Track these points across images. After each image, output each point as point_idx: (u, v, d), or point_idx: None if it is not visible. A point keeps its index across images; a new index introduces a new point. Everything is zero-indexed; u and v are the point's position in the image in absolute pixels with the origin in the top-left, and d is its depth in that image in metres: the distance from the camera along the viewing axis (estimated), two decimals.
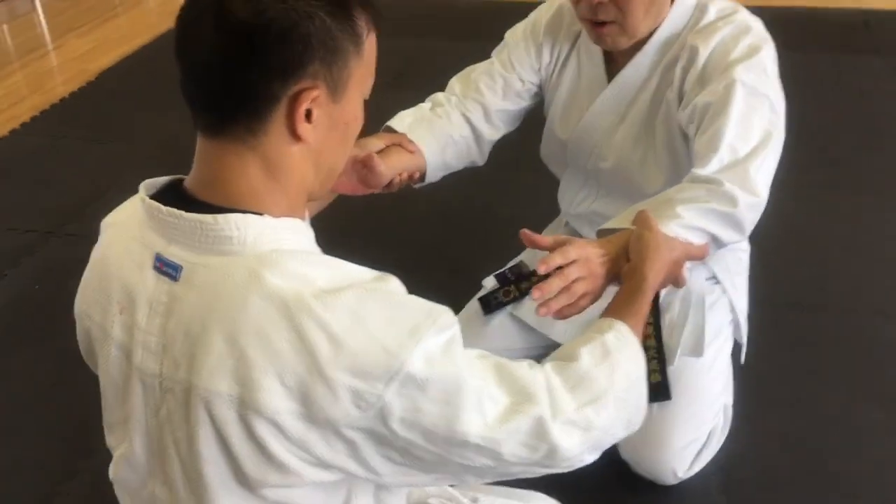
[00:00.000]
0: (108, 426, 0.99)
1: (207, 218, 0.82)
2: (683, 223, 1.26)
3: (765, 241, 2.09)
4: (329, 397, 0.78)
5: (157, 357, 0.84)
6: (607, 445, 0.97)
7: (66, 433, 1.86)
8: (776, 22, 4.42)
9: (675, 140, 1.52)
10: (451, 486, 1.24)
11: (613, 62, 1.56)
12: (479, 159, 1.70)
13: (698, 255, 1.28)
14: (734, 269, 1.72)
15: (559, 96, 1.66)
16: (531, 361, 0.94)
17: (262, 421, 0.79)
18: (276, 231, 0.84)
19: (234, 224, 0.82)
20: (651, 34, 1.49)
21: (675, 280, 1.23)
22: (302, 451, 0.81)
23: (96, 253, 0.95)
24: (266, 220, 0.83)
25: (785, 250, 2.34)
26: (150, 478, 0.93)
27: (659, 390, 1.56)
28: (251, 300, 0.79)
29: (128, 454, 0.93)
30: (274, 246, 0.83)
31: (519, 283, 1.77)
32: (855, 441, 1.75)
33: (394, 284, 0.84)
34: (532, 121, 1.74)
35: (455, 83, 1.67)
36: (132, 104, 3.48)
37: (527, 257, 1.86)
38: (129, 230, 0.89)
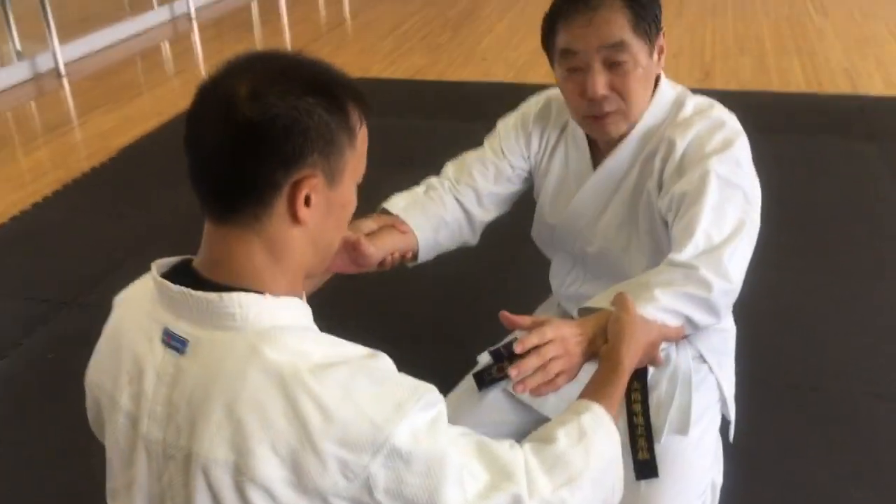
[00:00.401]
0: (111, 493, 1.04)
1: (213, 296, 0.89)
2: (660, 306, 1.33)
3: (757, 321, 2.15)
4: (319, 467, 0.84)
5: (161, 425, 0.91)
6: None
7: (74, 500, 1.91)
8: (773, 107, 4.59)
9: (656, 227, 1.60)
10: None
11: (598, 153, 1.65)
12: (472, 240, 1.78)
13: (673, 337, 1.35)
14: (720, 348, 1.77)
15: (548, 183, 1.75)
16: (512, 442, 0.99)
17: (255, 488, 0.85)
18: (276, 309, 0.91)
19: (238, 302, 0.88)
20: (632, 127, 1.58)
21: (652, 361, 1.30)
22: None
23: (109, 326, 1.02)
24: (266, 299, 0.90)
25: (776, 331, 2.40)
26: None
27: (647, 468, 1.61)
28: (250, 373, 0.85)
29: None
30: (273, 323, 0.89)
31: (512, 360, 1.83)
32: None
33: (384, 362, 0.91)
34: (530, 201, 1.83)
35: (449, 168, 1.77)
36: (151, 180, 3.61)
37: (522, 334, 1.92)
38: (142, 306, 0.97)
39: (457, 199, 1.72)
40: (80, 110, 4.58)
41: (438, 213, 1.69)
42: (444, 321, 2.51)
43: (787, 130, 3.82)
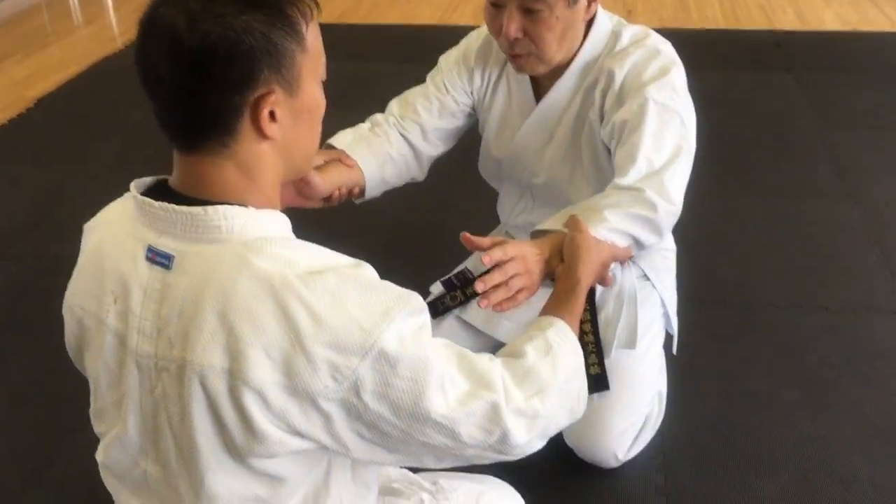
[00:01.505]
0: (96, 414, 1.05)
1: (197, 210, 0.90)
2: (610, 227, 1.40)
3: (690, 243, 2.25)
4: (309, 369, 0.87)
5: (152, 340, 0.92)
6: (553, 433, 1.07)
7: (19, 450, 1.89)
8: (694, 43, 4.71)
9: (599, 156, 1.65)
10: (412, 470, 1.33)
11: (540, 86, 1.68)
12: (419, 175, 1.80)
13: (623, 257, 1.42)
14: (661, 266, 1.86)
15: (492, 117, 1.78)
16: (490, 355, 1.04)
17: (249, 392, 0.87)
18: (259, 220, 0.92)
19: (222, 215, 0.90)
20: (571, 60, 1.61)
21: (603, 280, 1.37)
22: (281, 421, 0.89)
23: (86, 250, 1.01)
24: (249, 211, 0.92)
25: (709, 252, 2.52)
26: (142, 456, 0.99)
27: (599, 381, 1.69)
28: (240, 282, 0.87)
29: (121, 435, 0.99)
30: (258, 234, 0.91)
31: (464, 288, 1.88)
32: (778, 422, 1.90)
33: (369, 271, 0.94)
34: (473, 137, 1.86)
35: (393, 105, 1.78)
36: (72, 130, 3.50)
37: (471, 264, 1.97)
38: (122, 226, 0.97)
39: (402, 135, 1.73)
40: None
41: (384, 149, 1.70)
42: (392, 255, 2.54)
43: (708, 66, 3.93)
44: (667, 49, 1.61)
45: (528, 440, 1.02)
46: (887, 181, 2.92)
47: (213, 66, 0.86)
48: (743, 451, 1.83)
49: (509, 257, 1.27)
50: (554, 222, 1.43)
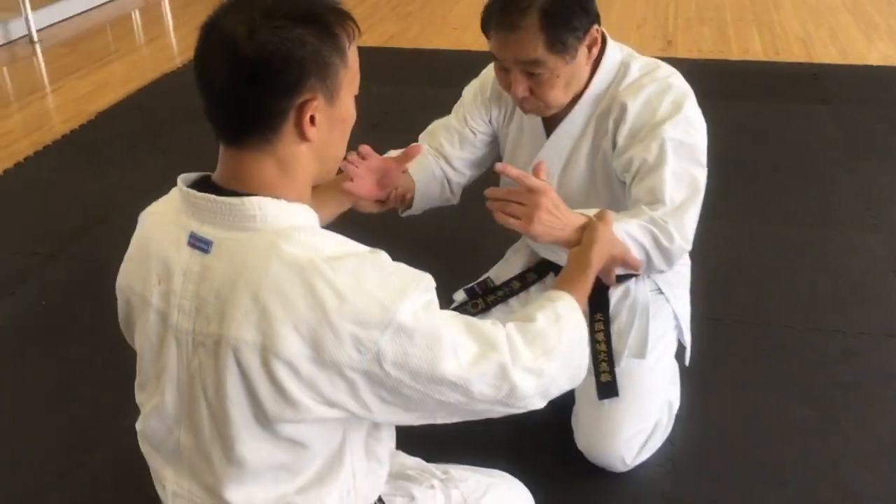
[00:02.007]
0: (140, 386, 1.17)
1: (235, 200, 1.01)
2: (630, 233, 1.49)
3: (715, 265, 2.33)
4: (335, 342, 0.97)
5: (190, 317, 1.03)
6: (554, 395, 1.18)
7: (67, 433, 2.03)
8: (731, 75, 4.76)
9: (613, 183, 1.73)
10: (424, 462, 1.42)
11: (550, 118, 1.76)
12: (454, 199, 1.93)
13: (632, 265, 1.50)
14: (674, 282, 1.93)
15: (508, 145, 1.88)
16: (494, 320, 1.15)
17: (280, 364, 0.97)
18: (290, 212, 1.03)
19: (257, 205, 1.01)
20: (582, 93, 1.69)
21: (608, 274, 1.45)
22: (311, 390, 1.00)
23: (138, 237, 1.14)
24: (282, 203, 1.02)
25: (730, 274, 2.58)
26: (177, 426, 1.10)
27: (608, 389, 1.77)
28: (271, 265, 0.97)
29: (159, 405, 1.10)
30: (289, 223, 1.02)
31: (486, 297, 1.99)
32: (786, 437, 1.95)
33: (384, 256, 1.05)
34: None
35: (423, 137, 1.91)
36: (128, 143, 3.69)
37: (494, 274, 2.07)
38: (168, 216, 1.09)
39: (435, 161, 1.85)
40: (53, 76, 4.62)
41: (430, 168, 1.83)
42: (419, 266, 2.65)
43: (745, 97, 4.00)
44: (678, 82, 1.66)
45: (532, 395, 1.13)
46: None
47: (268, 72, 0.97)
48: (751, 463, 1.88)
49: (528, 186, 1.38)
50: (587, 211, 1.50)
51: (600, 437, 1.79)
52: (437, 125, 1.90)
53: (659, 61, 1.71)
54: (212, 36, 1.01)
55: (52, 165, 3.49)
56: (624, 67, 1.69)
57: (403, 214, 1.84)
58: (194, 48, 1.03)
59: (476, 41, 4.97)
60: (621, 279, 1.82)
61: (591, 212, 1.48)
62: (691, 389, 2.02)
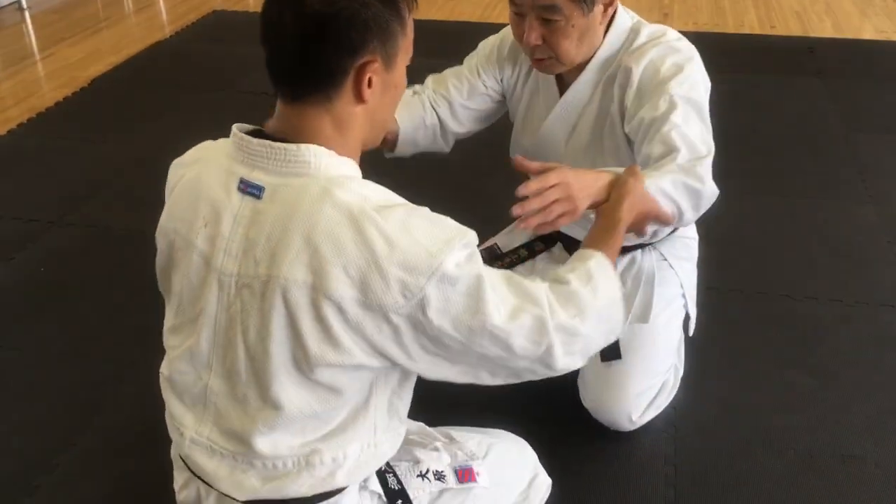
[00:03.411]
0: (172, 330, 1.19)
1: (292, 146, 1.05)
2: (660, 187, 1.42)
3: (714, 236, 2.34)
4: (383, 286, 1.00)
5: (236, 260, 1.06)
6: (592, 353, 1.19)
7: (73, 397, 2.03)
8: (727, 47, 4.77)
9: (620, 149, 1.72)
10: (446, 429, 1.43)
11: (563, 81, 1.77)
12: (445, 147, 1.91)
13: (663, 219, 1.43)
14: (681, 254, 1.95)
15: (521, 108, 1.87)
16: (533, 277, 1.16)
17: (328, 304, 1.00)
18: (341, 164, 1.08)
19: (313, 153, 1.05)
20: (591, 57, 1.68)
21: (639, 230, 1.41)
22: (356, 333, 1.03)
23: (183, 182, 1.15)
24: (333, 155, 1.07)
25: (730, 245, 2.60)
26: (207, 371, 1.13)
27: (610, 351, 1.79)
28: (324, 209, 1.01)
29: (192, 347, 1.13)
30: (340, 172, 1.06)
31: (492, 263, 2.00)
32: (788, 404, 1.98)
33: (428, 210, 1.08)
34: (506, 129, 1.96)
35: (429, 80, 1.90)
36: (124, 110, 3.66)
37: (500, 241, 2.08)
38: (218, 163, 1.12)
39: (433, 107, 1.84)
40: (43, 43, 4.56)
41: (419, 114, 1.82)
42: None
43: (740, 70, 4.00)
44: (684, 45, 1.65)
45: (568, 355, 1.14)
46: None
47: (334, 30, 1.02)
48: (751, 429, 1.91)
49: (550, 184, 1.27)
50: (614, 169, 1.44)
51: (609, 393, 1.81)
52: (448, 71, 1.89)
53: (667, 28, 1.70)
54: None
55: (45, 133, 3.46)
56: (633, 34, 1.69)
57: (388, 156, 1.84)
58: (262, 5, 1.08)
59: (472, 13, 4.96)
60: (627, 250, 1.83)
61: (617, 169, 1.42)
62: (694, 357, 2.05)
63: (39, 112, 3.62)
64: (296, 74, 1.06)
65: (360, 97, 1.07)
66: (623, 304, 1.23)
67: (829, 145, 3.28)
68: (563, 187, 1.28)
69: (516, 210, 1.25)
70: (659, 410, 1.88)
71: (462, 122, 1.88)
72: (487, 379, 1.14)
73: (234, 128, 1.11)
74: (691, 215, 1.52)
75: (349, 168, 1.09)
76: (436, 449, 1.38)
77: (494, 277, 1.09)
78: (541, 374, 1.16)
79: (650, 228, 1.45)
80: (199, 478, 1.19)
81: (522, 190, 1.25)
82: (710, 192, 1.50)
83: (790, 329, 2.25)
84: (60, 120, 3.58)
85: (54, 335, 2.24)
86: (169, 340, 1.20)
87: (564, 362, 1.14)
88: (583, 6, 1.57)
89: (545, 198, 1.26)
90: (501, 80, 1.87)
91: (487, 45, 1.90)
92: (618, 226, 1.30)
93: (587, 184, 1.32)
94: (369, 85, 1.07)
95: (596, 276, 1.19)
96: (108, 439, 1.91)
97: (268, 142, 1.06)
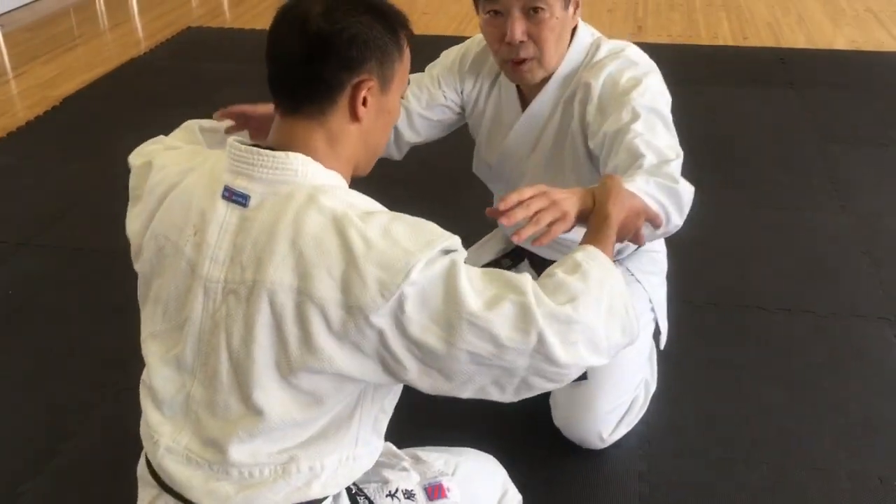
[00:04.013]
0: (151, 335, 1.18)
1: (280, 154, 1.07)
2: (638, 187, 1.36)
3: (688, 248, 2.34)
4: (360, 285, 1.00)
5: (223, 266, 1.07)
6: (606, 348, 1.11)
7: (40, 418, 2.00)
8: (701, 59, 4.80)
9: (581, 166, 1.71)
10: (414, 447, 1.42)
11: (524, 97, 1.76)
12: (396, 155, 1.89)
13: (653, 217, 1.36)
14: (648, 268, 1.93)
15: (484, 123, 1.86)
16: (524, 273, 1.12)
17: (313, 308, 1.01)
18: (327, 175, 1.10)
19: (301, 161, 1.07)
20: (551, 74, 1.67)
21: (636, 233, 1.32)
22: (341, 339, 1.03)
23: (182, 187, 1.15)
24: (321, 166, 1.09)
25: (702, 257, 2.60)
26: (191, 378, 1.12)
27: None
28: (310, 214, 1.03)
29: (179, 355, 1.13)
30: (327, 182, 1.09)
31: None
32: (762, 417, 1.98)
33: (415, 217, 1.07)
34: (469, 140, 1.94)
35: None
36: (96, 129, 3.63)
37: (468, 256, 2.07)
38: (208, 171, 1.14)
39: None
40: (16, 61, 4.52)
41: None
42: None
43: (713, 81, 4.03)
44: (643, 59, 1.65)
45: (568, 345, 1.06)
46: (881, 194, 3.00)
47: (334, 46, 1.07)
48: (725, 444, 1.91)
49: (526, 196, 1.21)
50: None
51: (577, 410, 1.80)
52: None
53: (628, 44, 1.69)
54: (288, 13, 1.11)
55: (16, 153, 3.42)
56: (594, 48, 1.69)
57: None
58: (270, 25, 1.13)
59: (446, 26, 4.97)
60: None
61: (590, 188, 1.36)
62: (665, 371, 2.04)
63: (10, 132, 3.58)
64: (295, 87, 1.10)
65: (354, 115, 1.10)
66: (626, 291, 1.15)
67: (803, 156, 3.30)
68: (543, 196, 1.22)
69: (504, 220, 1.18)
70: (630, 427, 1.87)
71: (418, 132, 1.86)
72: (496, 393, 1.10)
73: (231, 138, 1.14)
74: (677, 216, 1.44)
75: (336, 179, 1.11)
76: (404, 469, 1.36)
77: (473, 271, 1.07)
78: (549, 373, 1.09)
79: (644, 231, 1.36)
80: (168, 491, 1.17)
81: (502, 205, 1.20)
82: (687, 189, 1.45)
83: (764, 341, 2.25)
84: (31, 139, 3.55)
85: (19, 360, 2.21)
86: (149, 347, 1.19)
87: (567, 355, 1.07)
88: None
89: (528, 207, 1.20)
90: (462, 93, 1.86)
91: (450, 55, 1.88)
92: (607, 220, 1.24)
93: (567, 193, 1.26)
94: (364, 104, 1.10)
95: (584, 264, 1.14)
96: (75, 466, 1.87)
97: (256, 148, 1.08)
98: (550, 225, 1.20)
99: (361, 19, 1.09)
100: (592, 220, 1.26)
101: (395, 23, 1.14)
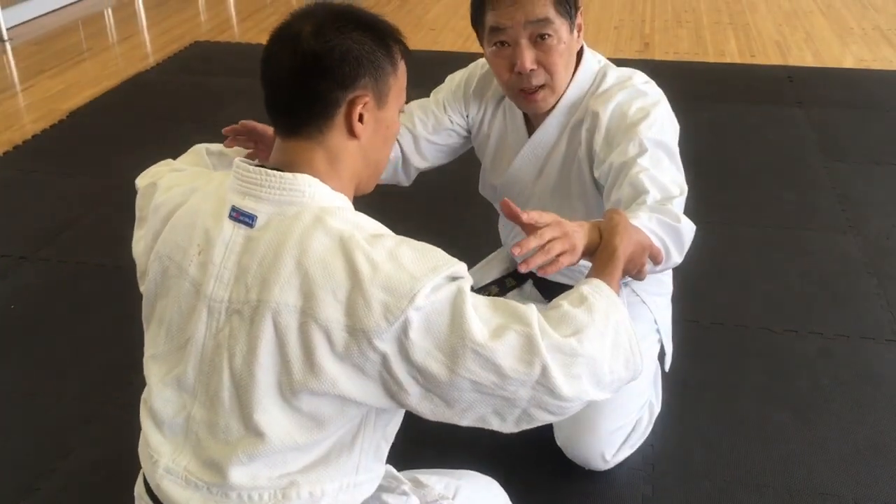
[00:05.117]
0: (153, 357, 1.17)
1: (288, 175, 1.08)
2: (642, 223, 1.37)
3: (693, 268, 2.31)
4: (365, 308, 1.00)
5: (227, 286, 1.07)
6: (609, 381, 1.11)
7: (40, 434, 1.99)
8: (707, 77, 4.79)
9: (587, 193, 1.70)
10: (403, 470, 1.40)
11: (530, 123, 1.75)
12: (405, 181, 1.89)
13: (655, 253, 1.36)
14: (653, 289, 1.91)
15: (490, 146, 1.85)
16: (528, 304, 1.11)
17: (317, 329, 1.01)
18: (333, 196, 1.10)
19: (307, 182, 1.08)
20: (560, 98, 1.66)
21: (640, 269, 1.32)
22: (343, 361, 1.02)
23: (180, 209, 1.16)
24: (327, 187, 1.10)
25: (708, 276, 2.58)
26: (192, 399, 1.11)
27: None
28: (316, 236, 1.03)
29: (180, 376, 1.12)
30: (333, 203, 1.09)
31: (489, 292, 1.97)
32: (767, 440, 1.96)
33: (422, 243, 1.07)
34: (475, 161, 1.93)
35: None
36: (102, 143, 3.63)
37: (472, 277, 2.05)
38: (213, 191, 1.14)
39: (397, 140, 1.80)
40: (24, 75, 4.54)
41: None
42: None
43: (721, 99, 4.02)
44: (651, 89, 1.63)
45: (571, 378, 1.06)
46: (889, 214, 2.98)
47: (327, 64, 1.07)
48: (730, 467, 1.88)
49: (545, 222, 1.22)
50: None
51: (580, 430, 1.78)
52: (414, 104, 1.86)
53: (635, 71, 1.68)
54: (281, 33, 1.11)
55: (22, 166, 3.43)
56: (600, 76, 1.68)
57: None
58: (264, 47, 1.13)
59: (453, 42, 4.98)
60: None
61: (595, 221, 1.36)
62: (671, 392, 2.02)
63: (17, 145, 3.59)
64: (291, 108, 1.10)
65: (351, 132, 1.11)
66: (630, 326, 1.15)
67: (809, 175, 3.28)
68: (557, 226, 1.22)
69: (515, 249, 1.20)
70: (633, 449, 1.84)
71: (425, 157, 1.85)
72: (496, 422, 1.10)
73: (238, 158, 1.14)
74: (676, 254, 1.45)
75: (342, 200, 1.12)
76: (404, 493, 1.35)
77: (479, 300, 1.06)
78: (551, 406, 1.08)
79: (647, 267, 1.36)
80: None
81: (524, 216, 1.19)
82: (688, 228, 1.46)
83: (769, 363, 2.22)
84: (37, 153, 3.55)
85: (21, 375, 2.20)
86: (150, 368, 1.18)
87: (569, 387, 1.06)
88: (568, 21, 1.57)
89: (541, 236, 1.20)
90: (467, 116, 1.85)
91: (454, 80, 1.88)
92: (614, 255, 1.23)
93: (576, 225, 1.26)
94: (360, 120, 1.10)
95: (589, 297, 1.13)
96: (74, 484, 1.86)
97: (264, 169, 1.08)
98: (559, 256, 1.20)
99: (352, 36, 1.09)
100: (599, 254, 1.26)
101: (388, 37, 1.14)
